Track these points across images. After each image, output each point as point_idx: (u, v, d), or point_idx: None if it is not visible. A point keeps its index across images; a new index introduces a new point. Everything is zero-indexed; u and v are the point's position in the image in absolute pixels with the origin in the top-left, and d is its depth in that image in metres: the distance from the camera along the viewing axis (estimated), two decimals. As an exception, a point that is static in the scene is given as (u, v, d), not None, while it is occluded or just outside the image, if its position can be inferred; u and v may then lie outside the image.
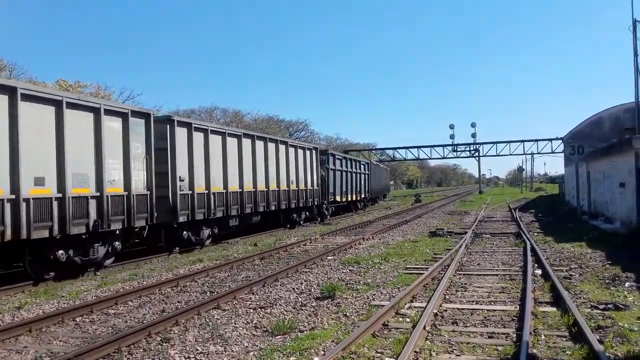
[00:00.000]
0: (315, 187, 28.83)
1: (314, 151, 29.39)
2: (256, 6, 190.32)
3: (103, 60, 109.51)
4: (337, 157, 34.82)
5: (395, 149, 70.32)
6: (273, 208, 23.11)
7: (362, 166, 41.90)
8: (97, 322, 8.67)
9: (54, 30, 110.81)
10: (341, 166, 35.12)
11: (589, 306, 8.83)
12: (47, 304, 10.13)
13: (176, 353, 6.86)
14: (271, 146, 23.49)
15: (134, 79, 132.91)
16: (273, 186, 23.19)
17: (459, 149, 67.92)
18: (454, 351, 6.68)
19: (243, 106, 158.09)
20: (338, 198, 33.78)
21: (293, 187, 25.50)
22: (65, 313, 8.83)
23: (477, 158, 69.47)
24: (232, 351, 6.93)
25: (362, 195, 41.55)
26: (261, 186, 22.09)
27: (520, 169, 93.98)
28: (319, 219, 30.20)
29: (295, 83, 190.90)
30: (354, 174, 38.37)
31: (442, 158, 74.53)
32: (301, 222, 27.37)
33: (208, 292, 10.86)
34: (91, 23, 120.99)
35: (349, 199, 37.01)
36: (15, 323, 8.28)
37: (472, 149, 67.50)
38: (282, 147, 24.67)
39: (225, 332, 7.81)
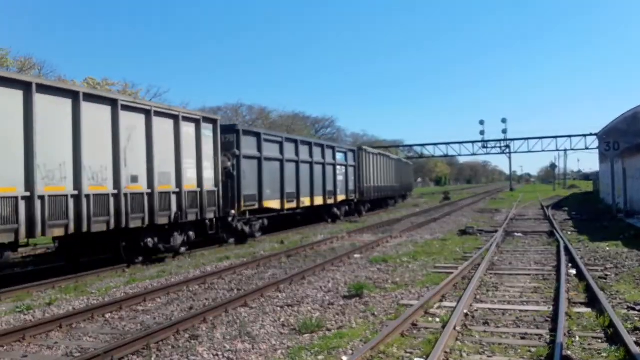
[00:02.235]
0: (210, 187, 16.63)
1: (204, 125, 16.46)
2: (283, 5, 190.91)
3: (131, 58, 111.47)
4: (265, 138, 20.94)
5: (423, 145, 69.96)
6: (59, 233, 11.66)
7: (337, 154, 28.30)
8: (126, 319, 8.74)
9: (82, 29, 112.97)
10: (281, 153, 22.03)
11: (626, 307, 8.55)
12: (77, 300, 10.26)
13: (204, 350, 6.86)
14: (64, 106, 11.90)
15: (161, 78, 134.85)
16: (59, 187, 11.58)
17: (489, 146, 67.18)
18: (486, 352, 6.53)
19: (269, 103, 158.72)
20: (273, 204, 21.07)
21: (139, 188, 13.77)
22: (94, 309, 8.94)
23: (508, 155, 68.55)
24: (260, 349, 6.90)
25: (343, 197, 28.80)
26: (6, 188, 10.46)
27: (553, 166, 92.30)
28: (231, 239, 18.61)
29: (322, 80, 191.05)
30: (315, 166, 25.25)
31: (472, 155, 73.93)
32: (180, 250, 15.66)
33: (235, 290, 10.87)
34: (119, 22, 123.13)
35: (307, 204, 24.18)
36: (46, 319, 8.39)
37: (502, 145, 66.69)
38: (108, 114, 13.03)
39: (253, 330, 7.79)
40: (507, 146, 66.65)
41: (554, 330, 7.16)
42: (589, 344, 6.76)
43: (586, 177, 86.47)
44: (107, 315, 8.92)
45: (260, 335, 7.49)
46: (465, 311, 8.34)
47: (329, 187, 27.01)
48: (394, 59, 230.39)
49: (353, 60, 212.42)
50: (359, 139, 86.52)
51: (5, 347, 7.24)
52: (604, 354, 6.35)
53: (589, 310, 8.37)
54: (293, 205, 23.01)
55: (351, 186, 30.36)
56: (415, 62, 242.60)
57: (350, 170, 30.38)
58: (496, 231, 20.18)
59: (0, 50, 36.42)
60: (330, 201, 27.22)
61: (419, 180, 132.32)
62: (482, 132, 67.69)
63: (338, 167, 28.25)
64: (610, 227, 21.03)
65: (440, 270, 12.40)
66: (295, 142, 23.92)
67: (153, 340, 7.19)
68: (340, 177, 28.56)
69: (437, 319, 8.02)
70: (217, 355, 6.70)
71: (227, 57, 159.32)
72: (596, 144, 49.38)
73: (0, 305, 10.03)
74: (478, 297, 9.53)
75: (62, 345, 7.34)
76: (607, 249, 15.07)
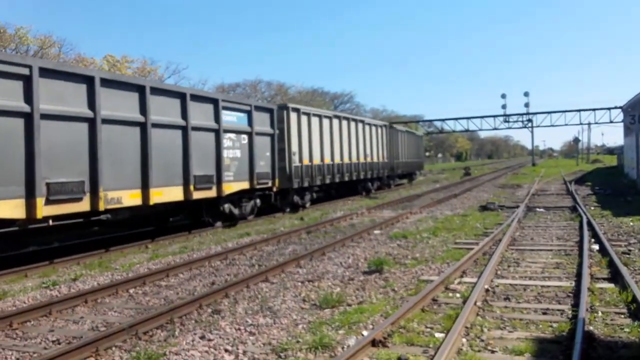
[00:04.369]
0: None
1: None
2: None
3: (150, 36, 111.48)
4: None
5: (443, 120, 69.14)
6: None
7: (223, 114, 16.25)
8: (150, 294, 8.90)
9: (102, 6, 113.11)
10: (28, 101, 10.18)
11: (650, 283, 8.46)
12: (102, 275, 10.47)
13: (227, 325, 6.96)
14: None
15: (180, 54, 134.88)
16: None
17: (511, 120, 66.17)
18: (507, 327, 6.52)
19: (288, 79, 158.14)
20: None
21: None
22: (119, 285, 9.11)
23: (530, 129, 67.55)
24: (281, 323, 6.98)
25: (242, 186, 17.18)
26: None
27: (576, 140, 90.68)
28: None
29: (341, 55, 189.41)
30: (158, 132, 13.50)
31: (493, 129, 73.00)
32: None
33: (256, 265, 10.98)
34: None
35: (130, 202, 12.63)
36: (71, 294, 8.58)
37: (525, 119, 65.68)
38: None
39: (274, 304, 7.87)
40: (530, 120, 65.62)
41: (576, 305, 7.10)
42: (612, 320, 6.71)
43: (610, 151, 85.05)
44: (131, 291, 9.09)
45: (281, 310, 7.57)
46: (486, 287, 8.32)
47: (201, 170, 15.04)
48: (413, 33, 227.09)
49: (372, 35, 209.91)
50: (379, 114, 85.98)
51: (32, 322, 7.42)
52: (627, 329, 6.29)
53: (611, 285, 8.28)
54: (80, 206, 11.37)
55: (262, 167, 18.33)
56: (435, 35, 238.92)
57: (261, 141, 18.40)
58: (517, 206, 20.00)
59: (21, 28, 36.74)
60: (207, 193, 15.40)
61: (439, 155, 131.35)
62: (503, 106, 66.73)
63: (228, 135, 16.54)
64: (634, 201, 20.72)
65: (461, 246, 12.36)
66: (88, 80, 11.60)
67: (176, 314, 7.31)
68: (232, 153, 16.75)
69: (458, 295, 8.02)
70: (239, 329, 6.79)
71: (246, 33, 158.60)
72: (621, 117, 48.39)
73: (27, 280, 10.29)
74: (499, 272, 9.49)
75: (87, 319, 7.50)
76: (631, 224, 14.86)
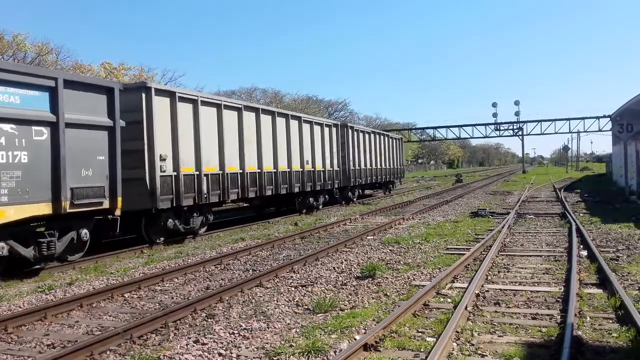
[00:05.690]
0: None
1: None
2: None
3: (147, 43, 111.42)
4: None
5: (435, 128, 69.67)
6: None
7: None
8: (145, 298, 8.95)
9: (99, 13, 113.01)
10: None
11: (637, 288, 8.58)
12: (97, 280, 10.51)
13: (221, 329, 7.03)
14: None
15: (177, 62, 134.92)
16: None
17: (501, 128, 66.79)
18: (496, 332, 6.63)
19: (283, 87, 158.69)
20: None
21: None
22: (114, 289, 9.15)
23: (520, 137, 68.10)
24: (275, 328, 7.06)
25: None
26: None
27: (566, 148, 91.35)
28: None
29: (335, 64, 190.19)
30: None
31: (485, 137, 73.42)
32: None
33: (250, 270, 11.05)
34: (135, 6, 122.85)
35: None
36: (67, 298, 8.63)
37: (515, 127, 66.34)
38: None
39: (268, 309, 7.95)
40: (520, 128, 66.31)
41: (564, 310, 7.22)
42: (600, 325, 6.83)
43: (599, 159, 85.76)
44: (126, 295, 9.14)
45: (275, 315, 7.66)
46: (477, 292, 8.43)
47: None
48: (407, 42, 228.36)
49: (366, 45, 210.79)
50: (372, 122, 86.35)
51: (27, 326, 7.46)
52: (615, 334, 6.41)
53: (600, 291, 8.41)
54: None
55: (86, 179, 11.75)
56: (428, 46, 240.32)
57: (84, 137, 11.74)
58: (508, 213, 20.17)
59: (19, 35, 36.70)
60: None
61: (432, 162, 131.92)
62: (494, 115, 67.32)
63: None
64: (623, 208, 20.95)
65: (452, 251, 12.49)
66: None
67: (171, 319, 7.38)
68: (3, 157, 10.06)
69: (449, 300, 8.13)
70: (233, 333, 6.86)
71: (243, 42, 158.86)
72: (609, 125, 48.93)
73: (22, 285, 10.32)
74: (489, 278, 9.62)
75: (82, 324, 7.55)
76: (619, 230, 15.05)
